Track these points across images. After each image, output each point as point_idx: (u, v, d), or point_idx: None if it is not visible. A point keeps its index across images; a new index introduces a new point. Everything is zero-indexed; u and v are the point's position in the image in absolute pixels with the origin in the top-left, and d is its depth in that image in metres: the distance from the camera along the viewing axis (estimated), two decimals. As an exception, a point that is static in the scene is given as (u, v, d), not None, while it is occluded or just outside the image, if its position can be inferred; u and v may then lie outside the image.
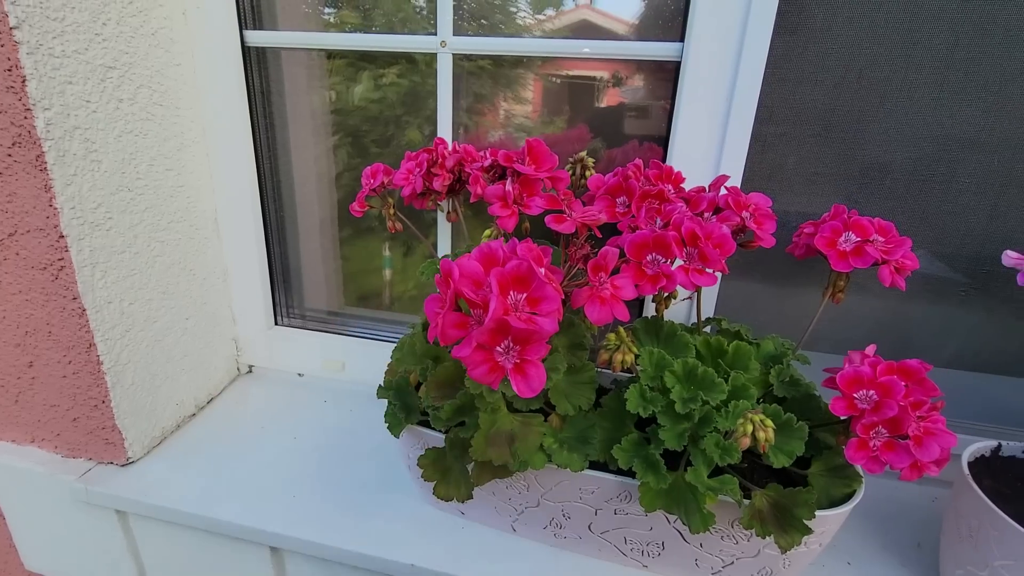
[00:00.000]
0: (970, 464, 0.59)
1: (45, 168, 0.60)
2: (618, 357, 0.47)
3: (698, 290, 0.61)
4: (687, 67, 0.67)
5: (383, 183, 0.70)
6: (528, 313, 0.35)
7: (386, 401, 0.61)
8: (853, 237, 0.56)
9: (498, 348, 0.35)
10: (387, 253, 0.99)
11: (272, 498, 0.72)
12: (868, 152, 0.71)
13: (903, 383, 0.47)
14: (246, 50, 0.80)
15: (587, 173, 0.63)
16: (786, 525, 0.49)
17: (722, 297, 0.78)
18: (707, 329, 0.67)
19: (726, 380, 0.51)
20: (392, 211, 0.72)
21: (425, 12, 0.77)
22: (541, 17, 0.75)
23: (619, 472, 0.54)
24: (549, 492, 0.60)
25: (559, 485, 0.58)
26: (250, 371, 0.98)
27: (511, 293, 0.36)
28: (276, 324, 0.96)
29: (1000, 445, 0.62)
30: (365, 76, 0.84)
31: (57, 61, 0.59)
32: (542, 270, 0.38)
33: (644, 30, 0.73)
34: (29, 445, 0.78)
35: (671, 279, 0.46)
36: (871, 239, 0.56)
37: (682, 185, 0.60)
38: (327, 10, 0.82)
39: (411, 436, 0.61)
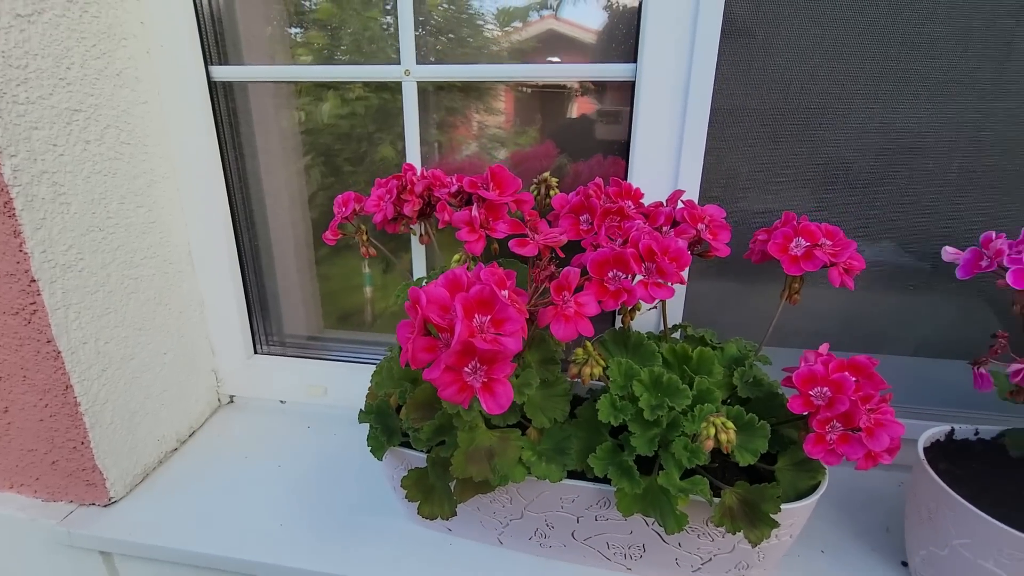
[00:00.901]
0: (926, 449, 0.63)
1: (14, 214, 0.60)
2: (586, 370, 0.49)
3: (663, 300, 0.64)
4: (641, 86, 0.70)
5: (355, 210, 0.72)
6: (493, 334, 0.37)
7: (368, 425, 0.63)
8: (803, 242, 0.59)
9: (466, 369, 0.37)
10: (367, 270, 1.00)
11: (258, 528, 0.72)
12: (822, 151, 0.74)
13: (854, 378, 0.50)
14: (212, 84, 0.81)
15: (551, 193, 0.65)
16: (755, 520, 0.51)
17: (699, 298, 0.81)
18: (676, 335, 0.70)
19: (691, 385, 0.54)
20: (365, 237, 0.73)
21: (393, 30, 0.79)
22: (508, 29, 0.77)
23: (597, 480, 0.56)
24: (532, 503, 0.61)
25: (541, 496, 0.60)
26: (231, 401, 0.98)
27: (476, 316, 0.38)
28: (256, 353, 0.97)
29: (953, 429, 0.65)
30: (330, 94, 0.86)
31: (22, 108, 0.60)
32: (505, 293, 0.40)
33: (602, 46, 0.76)
34: (8, 491, 0.77)
35: (632, 294, 0.48)
36: (820, 243, 0.59)
37: (642, 200, 0.63)
38: (293, 30, 0.83)
39: (394, 458, 0.63)
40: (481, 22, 0.78)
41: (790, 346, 0.79)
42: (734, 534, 0.51)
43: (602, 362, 0.49)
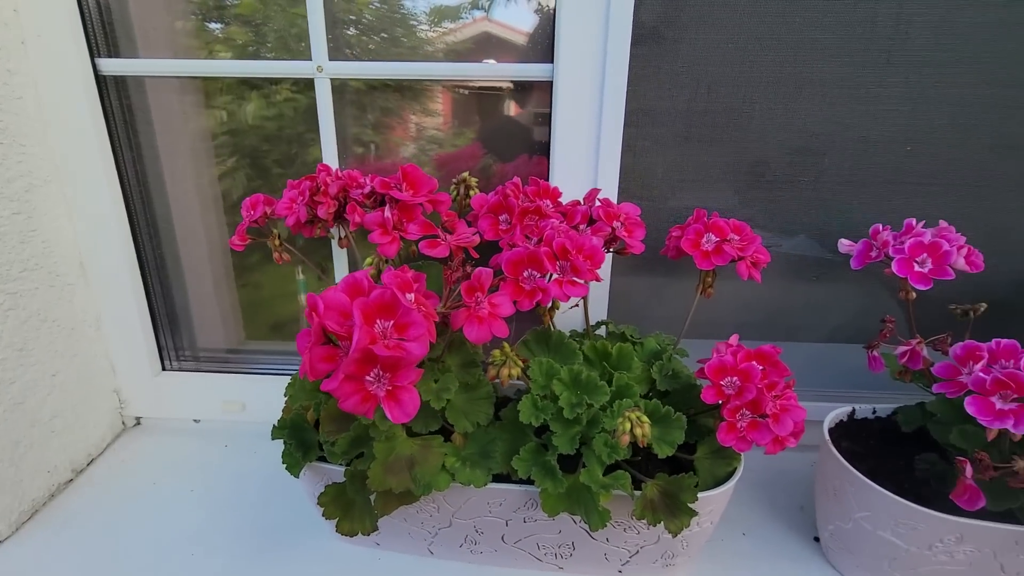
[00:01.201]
0: (830, 430, 0.67)
1: None
2: (504, 372, 0.48)
3: (584, 298, 0.64)
4: (558, 86, 0.70)
5: (265, 214, 0.68)
6: (396, 340, 0.36)
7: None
8: (713, 238, 0.61)
9: (368, 377, 0.35)
10: (301, 276, 0.95)
11: (168, 559, 0.66)
12: (734, 151, 0.77)
13: (760, 367, 0.52)
14: (100, 79, 0.74)
15: (471, 193, 0.64)
16: (675, 510, 0.53)
17: (629, 293, 0.83)
18: (601, 332, 0.71)
19: (610, 382, 0.54)
20: (278, 242, 0.69)
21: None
22: (442, 29, 0.76)
23: (523, 481, 0.56)
24: (459, 510, 0.60)
25: (468, 502, 0.59)
26: (138, 423, 0.91)
27: (378, 321, 0.36)
28: (164, 369, 0.89)
29: (854, 409, 0.70)
30: (254, 94, 0.81)
31: None
32: (411, 296, 0.38)
33: (528, 47, 0.75)
34: None
35: (547, 292, 0.48)
36: (728, 239, 0.61)
37: (560, 199, 0.63)
38: (213, 25, 0.77)
39: (313, 474, 0.59)
40: (415, 22, 0.76)
41: (712, 338, 0.83)
42: (655, 526, 0.51)
43: (520, 363, 0.48)
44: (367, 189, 0.57)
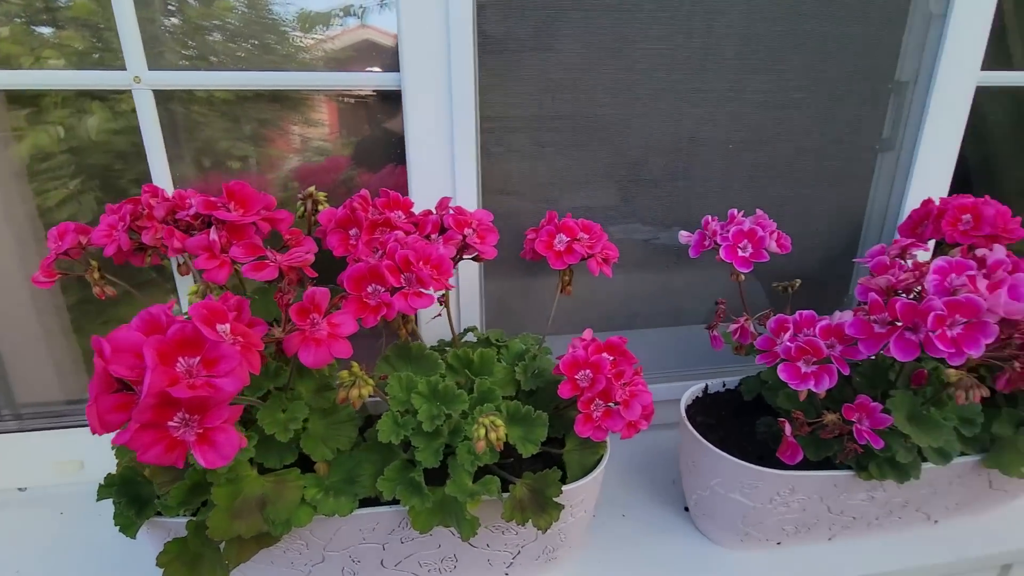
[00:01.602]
0: (688, 406, 0.72)
1: None
2: (354, 393, 0.46)
3: (445, 306, 0.64)
4: (407, 95, 0.69)
5: (80, 244, 0.60)
6: (204, 377, 0.32)
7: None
8: (564, 238, 0.64)
9: (172, 422, 0.32)
10: (178, 306, 0.84)
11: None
12: (594, 154, 0.81)
13: (610, 358, 0.55)
14: None
15: (319, 208, 0.61)
16: (543, 506, 0.54)
17: (505, 297, 0.83)
18: (471, 338, 0.71)
19: (472, 389, 0.54)
20: (97, 275, 0.61)
21: (177, 32, 0.67)
22: (319, 37, 0.71)
23: (393, 502, 0.54)
24: (330, 543, 0.57)
25: (338, 533, 0.56)
26: (-58, 503, 0.76)
27: (181, 359, 0.32)
28: (-28, 435, 0.76)
29: (707, 385, 0.77)
30: (95, 105, 0.71)
31: None
32: (225, 327, 0.35)
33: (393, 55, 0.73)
34: None
35: (391, 307, 0.47)
36: (578, 238, 0.64)
37: (412, 209, 0.62)
38: (42, 30, 0.66)
39: (154, 531, 0.53)
40: (287, 28, 0.71)
41: (609, 330, 0.86)
42: (523, 525, 0.52)
43: (370, 381, 0.47)
44: (192, 211, 0.52)
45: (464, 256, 0.60)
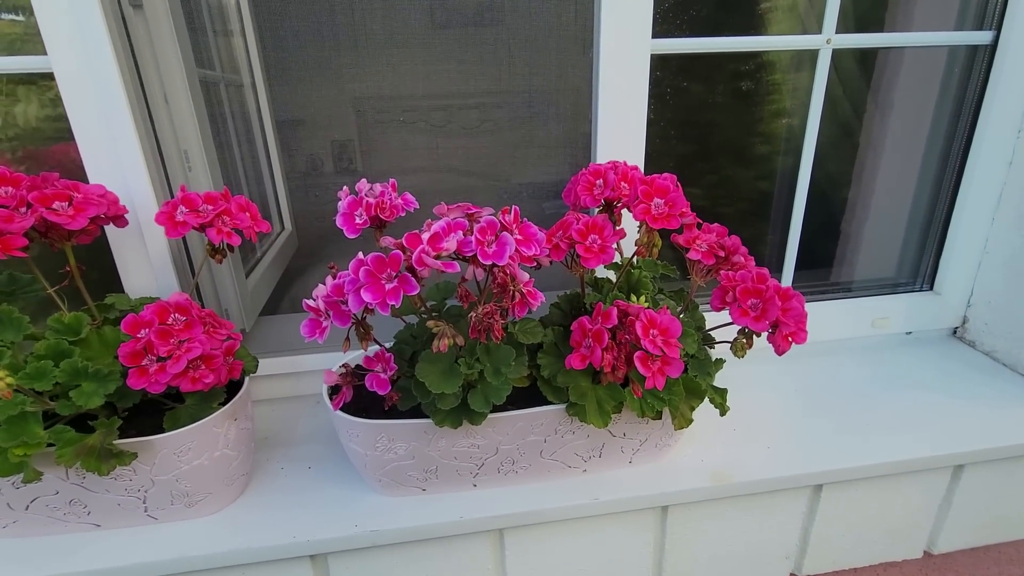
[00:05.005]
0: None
1: None
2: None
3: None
4: (60, 76, 0.71)
5: None
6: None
7: None
8: (184, 210, 0.68)
9: None
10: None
11: None
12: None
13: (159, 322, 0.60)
14: None
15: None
16: (111, 457, 0.59)
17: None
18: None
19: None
20: None
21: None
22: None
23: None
24: None
25: None
26: None
27: None
28: None
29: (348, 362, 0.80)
30: (24, 91, 0.73)
31: None
32: None
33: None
34: None
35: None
36: (199, 209, 0.68)
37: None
38: None
39: None
40: None
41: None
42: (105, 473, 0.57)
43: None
44: None
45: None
